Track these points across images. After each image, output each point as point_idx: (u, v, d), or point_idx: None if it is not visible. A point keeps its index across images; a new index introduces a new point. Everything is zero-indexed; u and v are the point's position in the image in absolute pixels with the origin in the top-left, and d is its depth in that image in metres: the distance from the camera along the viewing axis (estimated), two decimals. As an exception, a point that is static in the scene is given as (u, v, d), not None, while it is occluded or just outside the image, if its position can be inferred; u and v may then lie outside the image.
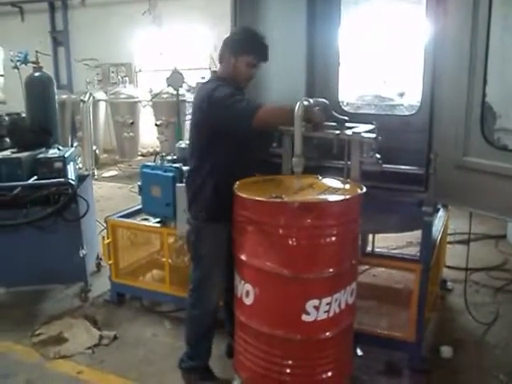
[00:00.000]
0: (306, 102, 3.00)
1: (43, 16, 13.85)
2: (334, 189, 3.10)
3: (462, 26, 3.13)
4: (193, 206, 3.35)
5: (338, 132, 3.23)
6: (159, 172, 4.18)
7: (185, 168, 4.05)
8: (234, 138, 3.15)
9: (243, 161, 3.27)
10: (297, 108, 2.92)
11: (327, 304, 2.87)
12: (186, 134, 9.85)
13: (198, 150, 3.28)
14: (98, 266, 5.32)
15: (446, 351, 3.82)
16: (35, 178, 4.59)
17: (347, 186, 3.13)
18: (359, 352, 3.71)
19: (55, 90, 5.69)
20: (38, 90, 5.48)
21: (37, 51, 5.97)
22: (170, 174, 4.09)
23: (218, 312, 3.47)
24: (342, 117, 3.35)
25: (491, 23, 3.05)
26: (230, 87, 3.14)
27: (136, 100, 11.40)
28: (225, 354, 3.75)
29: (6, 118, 5.44)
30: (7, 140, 5.15)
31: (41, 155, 4.74)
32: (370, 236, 4.62)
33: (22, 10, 14.03)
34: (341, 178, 3.21)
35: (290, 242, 2.81)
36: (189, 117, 9.94)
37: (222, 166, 3.21)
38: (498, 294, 4.83)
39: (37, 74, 5.54)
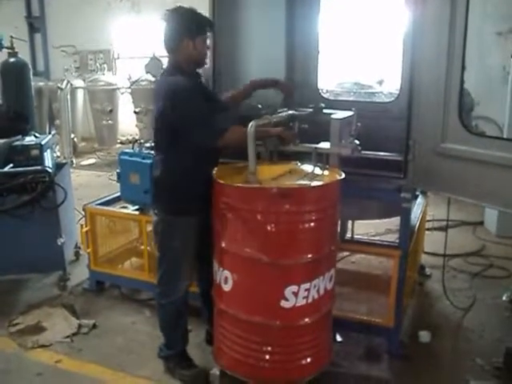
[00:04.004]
0: (261, 122, 3.02)
1: (19, 1, 13.56)
2: (312, 175, 3.10)
3: (441, 12, 3.13)
4: (161, 199, 3.30)
5: (315, 146, 3.22)
6: (137, 159, 4.13)
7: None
8: None
9: (211, 155, 3.20)
10: (249, 127, 2.87)
11: (306, 290, 2.88)
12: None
13: (163, 141, 3.20)
14: (77, 254, 5.26)
15: (424, 336, 3.86)
16: (11, 165, 4.51)
17: (326, 172, 3.13)
18: (338, 338, 3.74)
19: (31, 77, 5.60)
20: (14, 76, 5.41)
21: (11, 36, 5.87)
22: (149, 161, 4.03)
23: (187, 299, 3.42)
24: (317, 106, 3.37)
25: (469, 10, 3.06)
26: (193, 89, 3.06)
27: (114, 87, 11.26)
28: (204, 342, 3.74)
29: (-19, 105, 5.36)
30: (-18, 127, 5.06)
31: (17, 142, 4.65)
32: (350, 223, 4.64)
33: (-3, -5, 13.76)
34: (320, 164, 3.20)
35: (269, 228, 2.81)
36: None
37: (188, 160, 3.11)
38: (475, 280, 4.89)
39: (12, 60, 5.46)
